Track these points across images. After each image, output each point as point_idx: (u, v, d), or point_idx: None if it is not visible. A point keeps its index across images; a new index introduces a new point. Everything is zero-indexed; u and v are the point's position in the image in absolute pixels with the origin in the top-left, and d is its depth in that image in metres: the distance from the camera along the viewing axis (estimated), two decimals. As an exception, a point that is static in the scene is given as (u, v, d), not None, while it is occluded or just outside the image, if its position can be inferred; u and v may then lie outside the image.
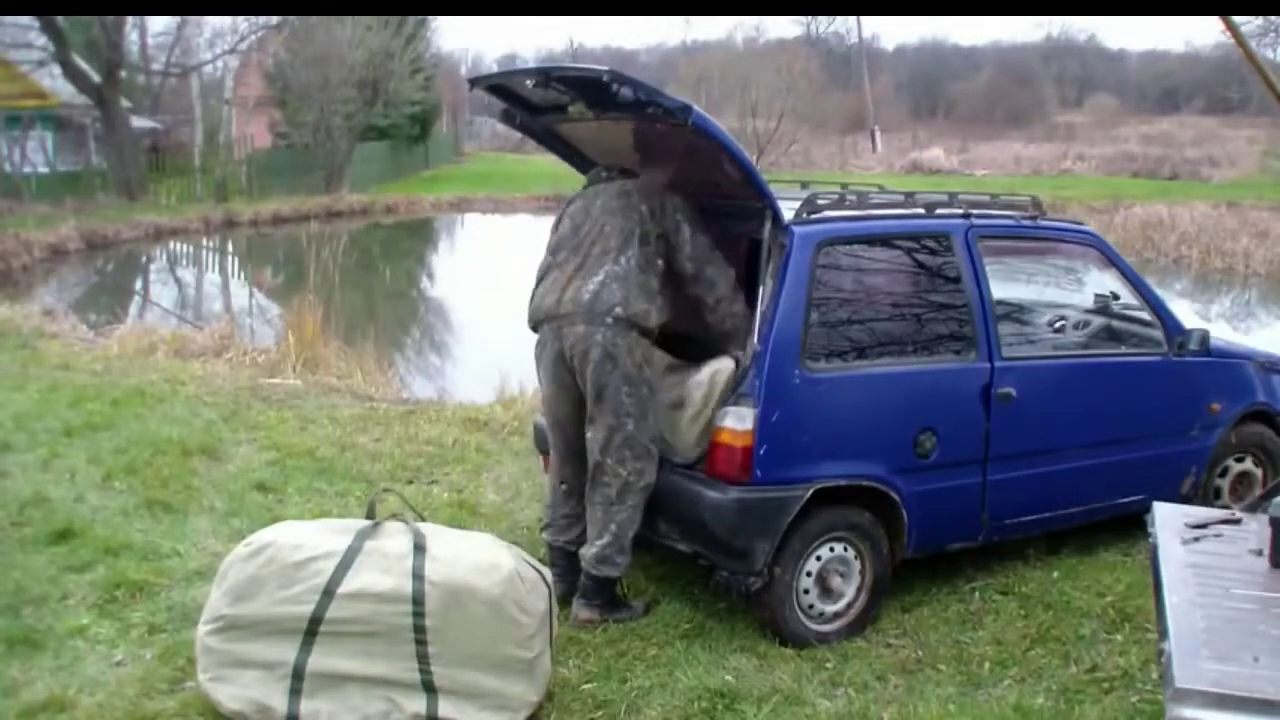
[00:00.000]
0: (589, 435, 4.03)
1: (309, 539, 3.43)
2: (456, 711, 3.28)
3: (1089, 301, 5.53)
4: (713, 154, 3.91)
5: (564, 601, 4.17)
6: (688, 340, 4.61)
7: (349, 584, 3.27)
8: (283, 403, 7.46)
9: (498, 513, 5.34)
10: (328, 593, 3.26)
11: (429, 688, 3.27)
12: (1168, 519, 3.26)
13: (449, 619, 3.25)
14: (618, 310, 3.90)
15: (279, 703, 3.28)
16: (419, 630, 3.24)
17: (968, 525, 4.39)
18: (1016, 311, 5.29)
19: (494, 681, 3.30)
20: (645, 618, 4.16)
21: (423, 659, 3.26)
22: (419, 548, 3.35)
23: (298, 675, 3.27)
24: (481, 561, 3.36)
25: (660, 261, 4.01)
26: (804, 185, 4.84)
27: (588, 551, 4.08)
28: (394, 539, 3.41)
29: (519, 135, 4.58)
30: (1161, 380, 4.86)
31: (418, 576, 3.26)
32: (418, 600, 3.24)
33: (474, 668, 3.29)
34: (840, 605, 4.11)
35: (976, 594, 4.48)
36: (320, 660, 3.26)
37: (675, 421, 4.08)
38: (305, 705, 3.27)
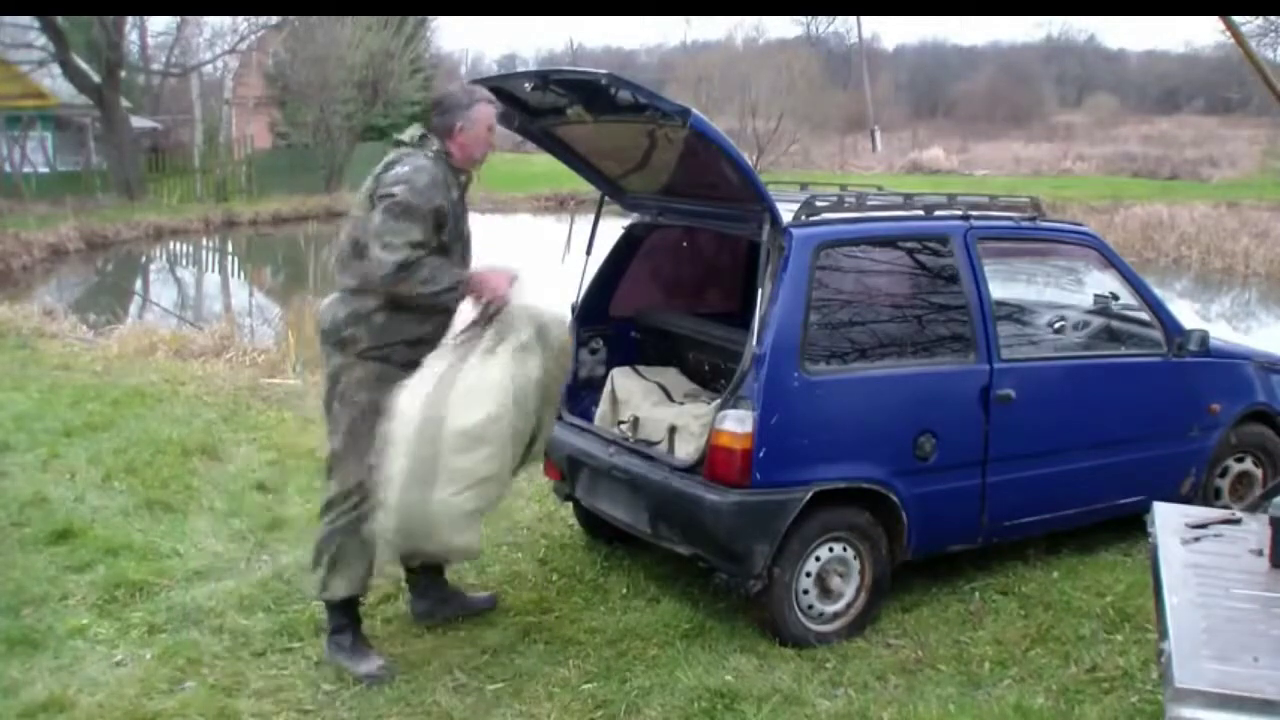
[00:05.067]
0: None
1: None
2: None
3: (1088, 302, 5.53)
4: (711, 157, 3.91)
5: (424, 617, 4.13)
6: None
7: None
8: (283, 403, 7.46)
9: (498, 513, 5.32)
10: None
11: None
12: (1168, 519, 3.26)
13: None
14: (329, 335, 3.73)
15: None
16: None
17: (967, 527, 4.39)
18: (1016, 312, 5.30)
19: None
20: (379, 681, 3.69)
21: None
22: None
23: None
24: None
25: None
26: (803, 187, 4.85)
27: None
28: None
29: (518, 136, 4.59)
30: (1161, 381, 4.86)
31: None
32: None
33: None
34: (840, 605, 4.11)
35: (976, 594, 4.48)
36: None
37: (674, 440, 4.14)
38: None
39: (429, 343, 3.71)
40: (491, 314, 3.65)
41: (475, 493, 3.50)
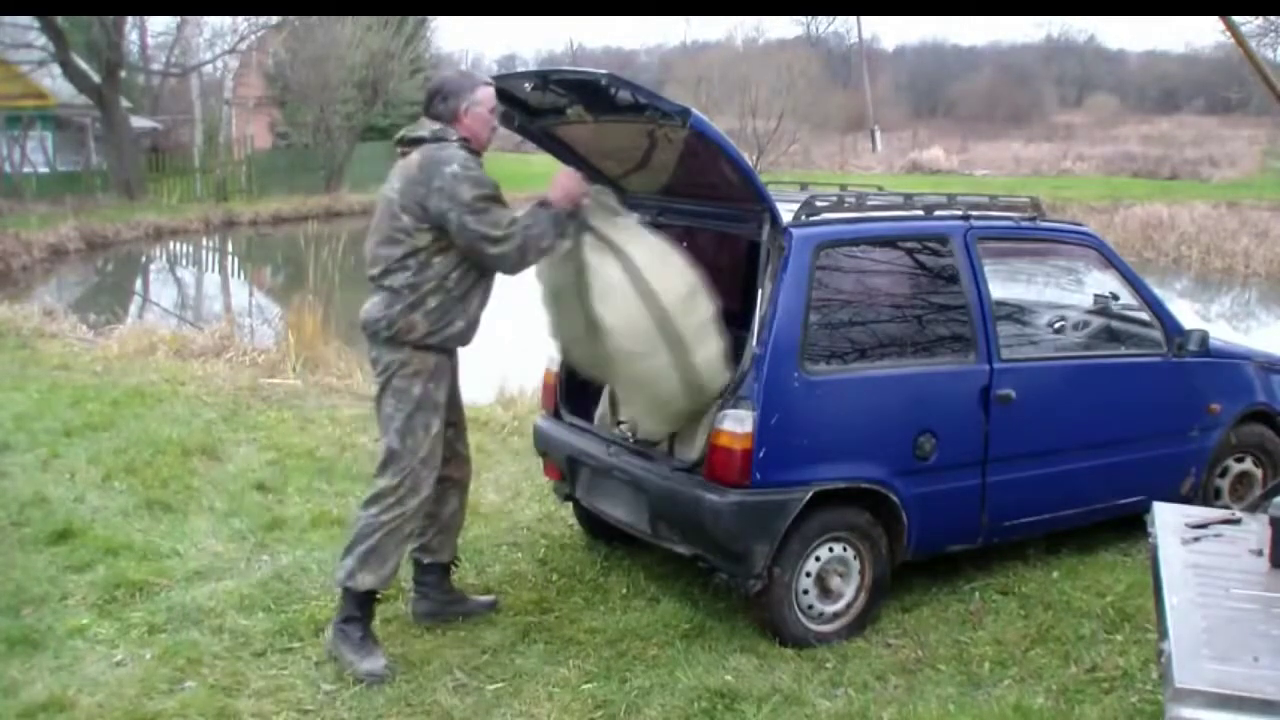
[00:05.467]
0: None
1: None
2: None
3: (1088, 302, 5.53)
4: (711, 157, 3.91)
5: (425, 618, 4.14)
6: None
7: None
8: (283, 403, 7.46)
9: (498, 513, 5.34)
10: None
11: None
12: (1168, 519, 3.26)
13: None
14: (381, 333, 3.76)
15: None
16: None
17: (967, 527, 4.39)
18: (1016, 312, 5.29)
19: None
20: (380, 680, 3.68)
21: None
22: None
23: None
24: None
25: (439, 260, 3.71)
26: (803, 187, 4.85)
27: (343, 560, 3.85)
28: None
29: (518, 135, 4.59)
30: (1161, 381, 4.86)
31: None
32: None
33: None
34: (840, 605, 4.11)
35: (976, 594, 4.48)
36: None
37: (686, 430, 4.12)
38: None
39: (479, 322, 3.88)
40: (583, 212, 3.88)
41: (716, 329, 3.88)
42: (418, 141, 3.79)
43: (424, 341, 3.74)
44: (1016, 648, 4.03)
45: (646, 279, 3.75)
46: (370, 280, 3.85)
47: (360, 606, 3.81)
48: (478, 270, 3.80)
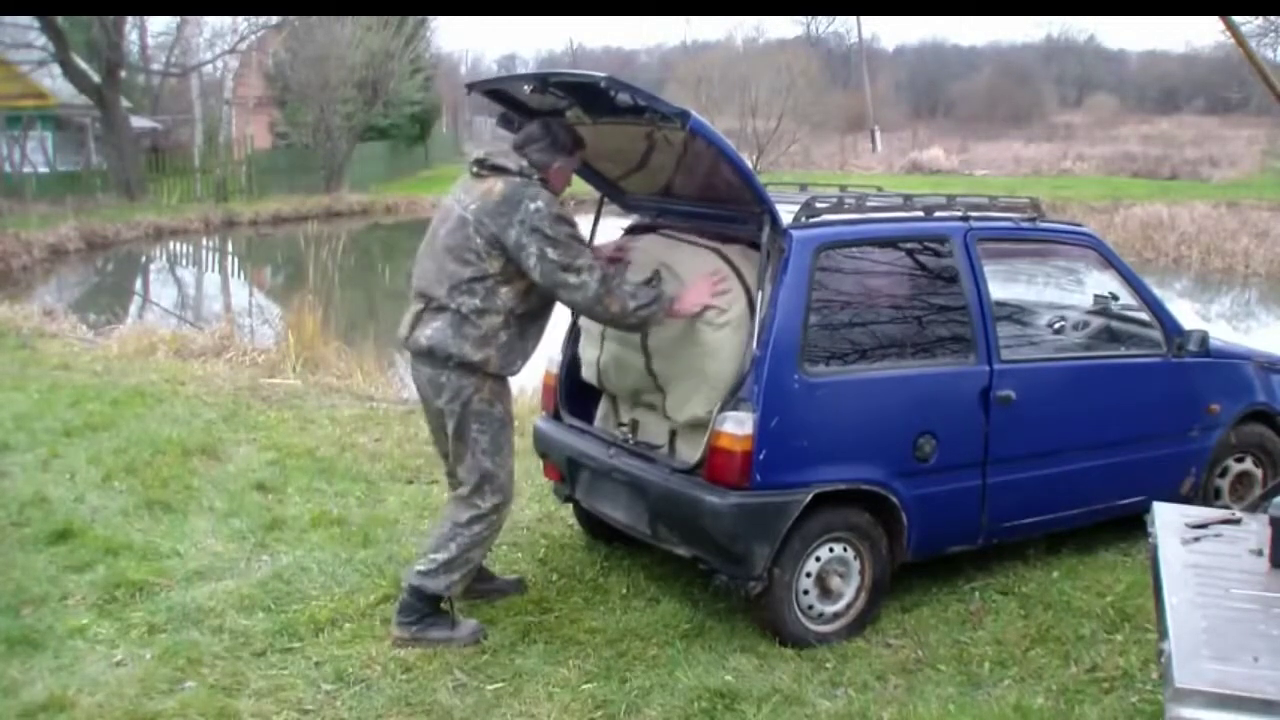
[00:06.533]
0: (459, 467, 4.03)
1: None
2: None
3: (1088, 302, 5.53)
4: (711, 159, 3.91)
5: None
6: None
7: None
8: (283, 403, 7.46)
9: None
10: None
11: None
12: (1168, 519, 3.26)
13: None
14: (454, 359, 3.84)
15: None
16: None
17: (967, 528, 4.39)
18: (1016, 313, 5.29)
19: None
20: (477, 643, 3.96)
21: None
22: None
23: None
24: None
25: (505, 291, 3.82)
26: (803, 188, 4.85)
27: (416, 563, 4.04)
28: None
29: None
30: (1161, 381, 4.86)
31: None
32: None
33: None
34: (840, 606, 4.11)
35: (976, 594, 4.48)
36: None
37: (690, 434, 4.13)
38: None
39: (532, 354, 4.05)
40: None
41: None
42: (500, 169, 3.88)
43: (495, 372, 3.89)
44: (1016, 648, 4.03)
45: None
46: (422, 296, 3.91)
47: (433, 604, 4.00)
48: (537, 307, 3.92)
